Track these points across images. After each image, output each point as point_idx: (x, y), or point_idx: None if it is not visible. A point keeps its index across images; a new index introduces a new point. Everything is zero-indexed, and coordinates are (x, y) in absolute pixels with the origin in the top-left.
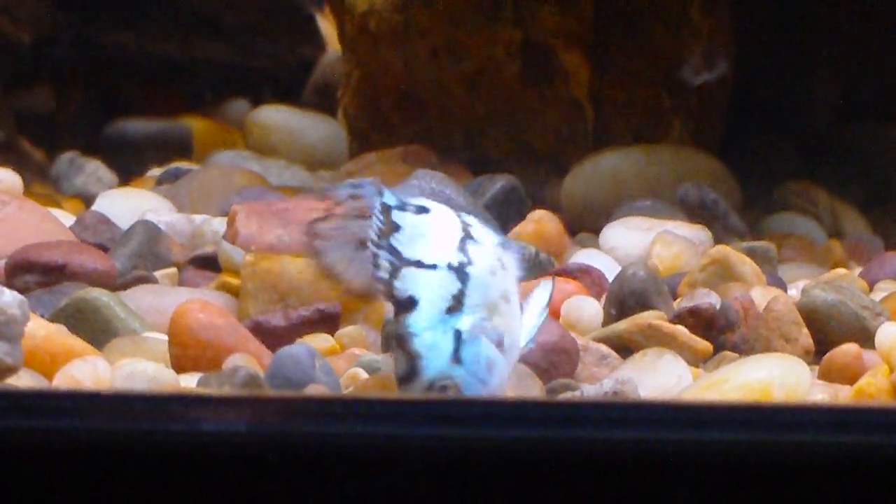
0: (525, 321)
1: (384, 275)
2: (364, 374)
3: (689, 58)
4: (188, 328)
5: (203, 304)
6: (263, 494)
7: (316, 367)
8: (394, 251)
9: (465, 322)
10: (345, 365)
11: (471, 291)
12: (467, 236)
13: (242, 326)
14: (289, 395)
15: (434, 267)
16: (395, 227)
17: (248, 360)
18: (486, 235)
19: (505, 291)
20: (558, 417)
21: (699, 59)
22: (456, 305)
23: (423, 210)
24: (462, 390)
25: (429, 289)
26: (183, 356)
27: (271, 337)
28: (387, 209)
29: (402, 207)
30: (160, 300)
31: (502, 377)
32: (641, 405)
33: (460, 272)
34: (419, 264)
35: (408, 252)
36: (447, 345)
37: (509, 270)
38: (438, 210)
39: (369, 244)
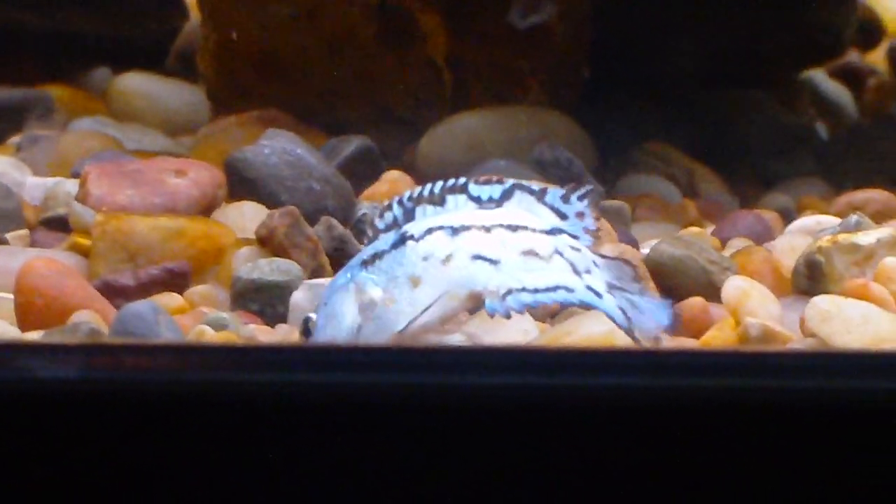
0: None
1: (379, 224)
2: (210, 331)
3: (516, 2)
4: (33, 286)
5: (48, 263)
6: (99, 440)
7: (160, 324)
8: (409, 215)
9: (356, 275)
10: (192, 322)
11: (389, 257)
12: (465, 227)
13: (89, 285)
14: (119, 342)
15: (397, 232)
16: (441, 201)
17: (92, 317)
18: (509, 241)
19: (415, 276)
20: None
21: (526, 2)
22: (370, 261)
23: (490, 201)
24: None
25: (373, 243)
26: (28, 314)
27: (120, 296)
28: (451, 189)
29: (476, 198)
30: (9, 261)
31: (338, 331)
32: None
33: (401, 240)
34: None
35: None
36: (332, 288)
37: (454, 267)
38: (503, 209)
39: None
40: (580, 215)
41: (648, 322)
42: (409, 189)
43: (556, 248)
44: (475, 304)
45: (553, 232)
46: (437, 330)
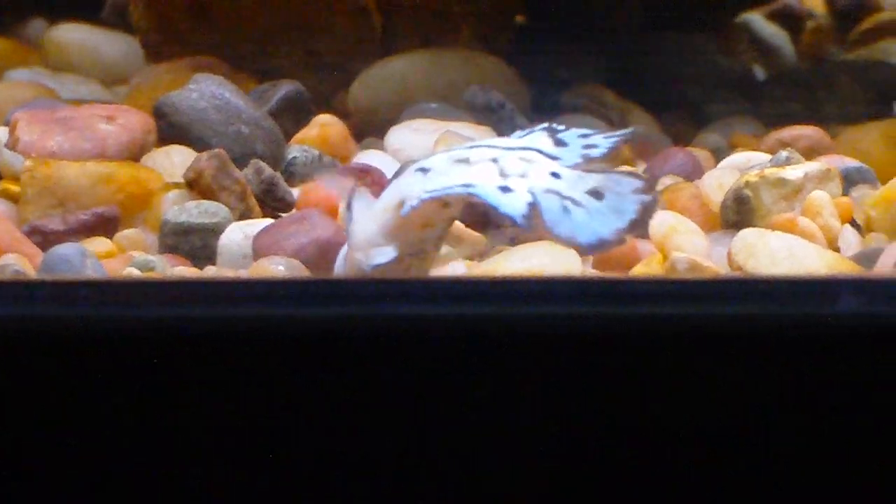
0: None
1: None
2: (138, 274)
3: None
4: None
5: None
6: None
7: (87, 267)
8: None
9: None
10: (120, 266)
11: None
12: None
13: (16, 229)
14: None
15: None
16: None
17: (19, 261)
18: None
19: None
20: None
21: None
22: None
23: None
24: None
25: None
26: None
27: (50, 240)
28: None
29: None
30: None
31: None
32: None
33: None
34: None
35: None
36: None
37: (399, 181)
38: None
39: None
40: (590, 147)
41: (578, 232)
42: (341, 133)
43: (494, 157)
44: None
45: (516, 149)
46: (381, 242)
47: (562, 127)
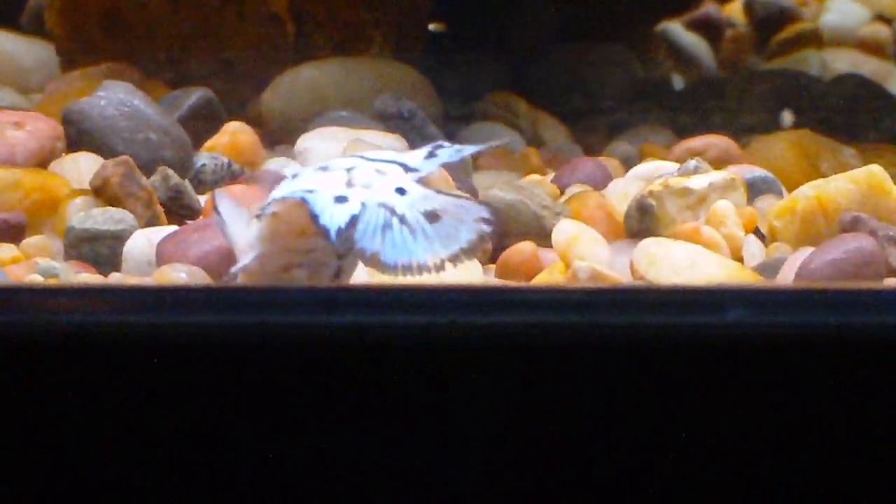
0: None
1: None
2: (40, 280)
3: None
4: None
5: None
6: None
7: None
8: None
9: None
10: (24, 272)
11: None
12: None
13: None
14: None
15: None
16: None
17: None
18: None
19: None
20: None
21: None
22: None
23: None
24: None
25: None
26: None
27: None
28: None
29: None
30: None
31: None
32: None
33: None
34: None
35: None
36: None
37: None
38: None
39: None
40: (452, 158)
41: (386, 250)
42: (251, 141)
43: (350, 166)
44: None
45: (377, 161)
46: (257, 247)
47: (447, 144)
